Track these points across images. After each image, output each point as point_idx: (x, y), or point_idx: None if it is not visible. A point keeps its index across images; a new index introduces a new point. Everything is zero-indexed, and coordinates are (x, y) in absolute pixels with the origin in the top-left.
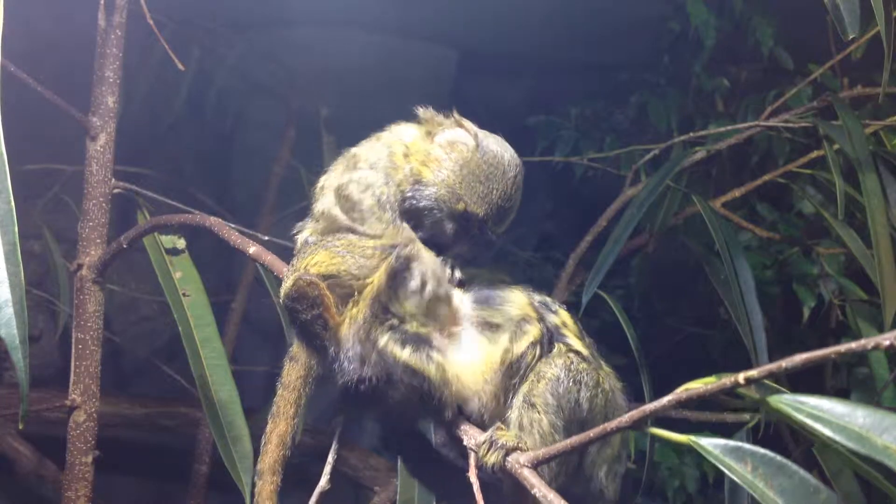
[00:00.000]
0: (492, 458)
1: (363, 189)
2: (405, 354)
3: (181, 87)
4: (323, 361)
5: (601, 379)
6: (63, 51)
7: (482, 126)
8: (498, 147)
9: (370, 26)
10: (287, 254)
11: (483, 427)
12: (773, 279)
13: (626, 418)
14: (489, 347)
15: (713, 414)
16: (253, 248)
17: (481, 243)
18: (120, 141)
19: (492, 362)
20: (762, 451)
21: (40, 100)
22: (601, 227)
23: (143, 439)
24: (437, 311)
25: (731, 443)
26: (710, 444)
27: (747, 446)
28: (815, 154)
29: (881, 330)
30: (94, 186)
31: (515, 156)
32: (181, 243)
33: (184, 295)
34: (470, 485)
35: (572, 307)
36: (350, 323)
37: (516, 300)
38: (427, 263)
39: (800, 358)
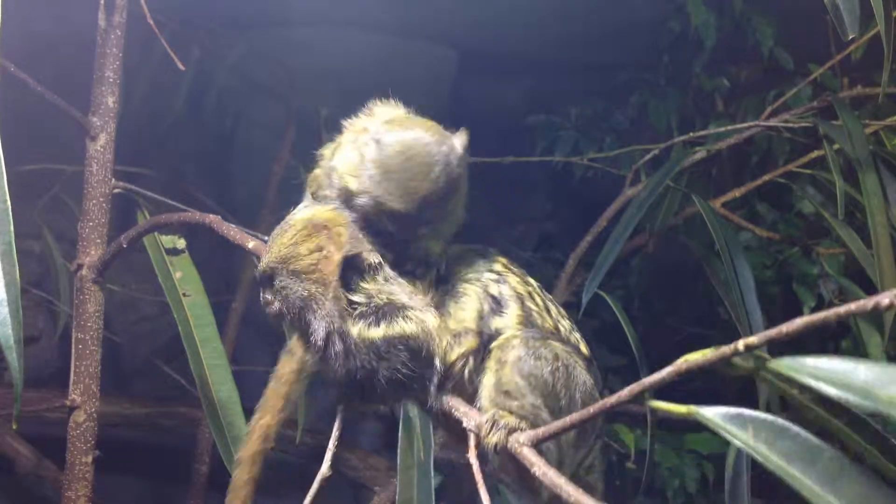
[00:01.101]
0: (493, 439)
1: (318, 187)
2: (381, 332)
3: (181, 87)
4: (312, 351)
5: (557, 353)
6: (63, 51)
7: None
8: (399, 136)
9: (370, 26)
10: None
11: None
12: (773, 279)
13: (625, 392)
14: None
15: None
16: (252, 243)
17: (418, 231)
18: (120, 141)
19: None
20: (763, 415)
21: (40, 100)
22: (601, 227)
23: (143, 439)
24: (395, 292)
25: (732, 410)
26: (711, 413)
27: (747, 412)
28: (815, 154)
29: (881, 330)
30: (94, 186)
31: (422, 136)
32: (181, 243)
33: (184, 295)
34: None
35: (572, 307)
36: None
37: (460, 314)
38: (370, 260)
39: (800, 321)
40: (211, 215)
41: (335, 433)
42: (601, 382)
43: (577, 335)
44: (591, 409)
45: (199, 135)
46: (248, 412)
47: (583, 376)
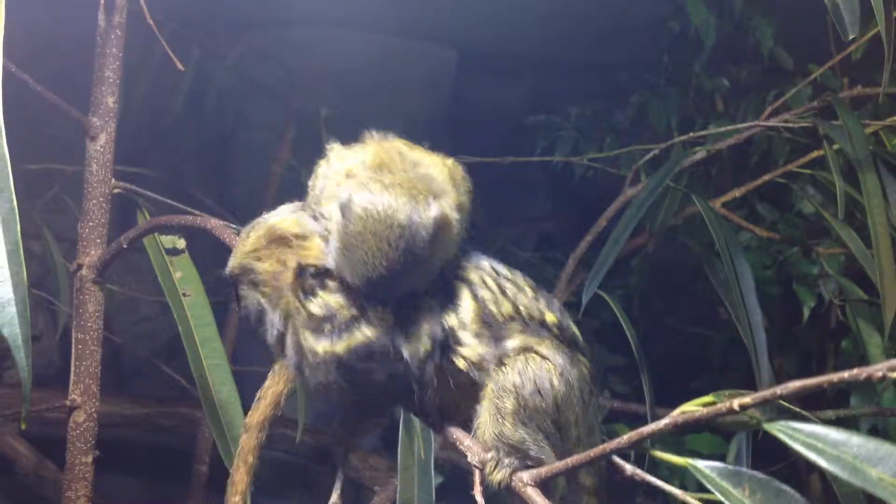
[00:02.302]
0: (498, 476)
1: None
2: (343, 345)
3: (181, 87)
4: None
5: (553, 373)
6: (63, 51)
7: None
8: (366, 208)
9: (370, 26)
10: None
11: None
12: (773, 279)
13: (624, 439)
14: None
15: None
16: None
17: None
18: (120, 141)
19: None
20: (759, 475)
21: (40, 100)
22: (601, 227)
23: (143, 439)
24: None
25: (729, 467)
26: (708, 468)
27: (745, 470)
28: (815, 154)
29: (881, 330)
30: (94, 186)
31: (392, 213)
32: (181, 243)
33: (184, 295)
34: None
35: (572, 307)
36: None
37: (416, 321)
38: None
39: (794, 385)
40: (213, 220)
41: (337, 488)
42: (593, 360)
43: (542, 305)
44: (591, 452)
45: (199, 135)
46: (248, 412)
47: (578, 383)
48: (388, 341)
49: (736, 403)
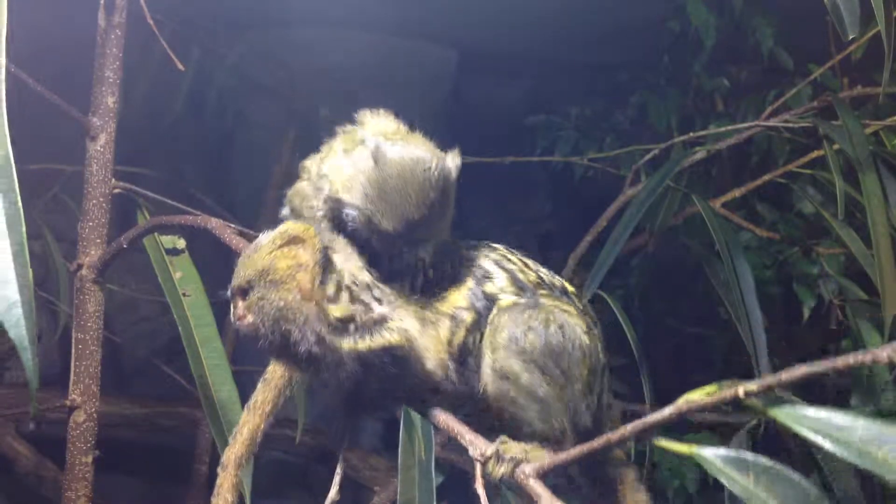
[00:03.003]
0: (500, 470)
1: (301, 199)
2: (366, 344)
3: (181, 87)
4: (296, 363)
5: (549, 316)
6: (63, 51)
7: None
8: (399, 155)
9: (370, 26)
10: None
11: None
12: (773, 279)
13: (628, 429)
14: (435, 332)
15: (716, 415)
16: None
17: (408, 259)
18: (120, 141)
19: (441, 341)
20: (763, 460)
21: (40, 100)
22: (601, 227)
23: (143, 439)
24: (375, 307)
25: (732, 452)
26: (712, 455)
27: (749, 456)
28: (815, 154)
29: (881, 330)
30: (94, 186)
31: (422, 159)
32: (181, 243)
33: (184, 295)
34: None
35: None
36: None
37: (452, 297)
38: (344, 271)
39: (800, 370)
40: (213, 219)
41: (337, 478)
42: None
43: (559, 278)
44: (595, 443)
45: (199, 135)
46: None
47: (576, 329)
48: (410, 347)
49: (741, 390)
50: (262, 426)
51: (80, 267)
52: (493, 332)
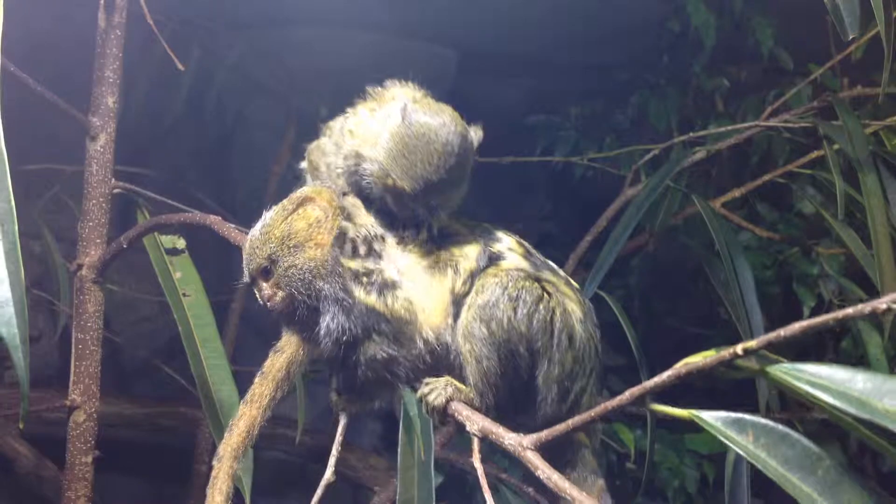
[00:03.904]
0: (434, 400)
1: (321, 155)
2: (373, 300)
3: (181, 87)
4: (308, 328)
5: (545, 294)
6: (63, 51)
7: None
8: (426, 118)
9: (370, 26)
10: None
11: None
12: (773, 279)
13: (626, 395)
14: (440, 285)
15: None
16: None
17: (418, 214)
18: (120, 141)
19: (444, 299)
20: (763, 420)
21: (40, 100)
22: (601, 227)
23: (143, 439)
24: (385, 268)
25: (733, 414)
26: (712, 417)
27: (748, 417)
28: (815, 154)
29: (881, 330)
30: (94, 186)
31: (448, 125)
32: (181, 243)
33: (184, 295)
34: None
35: None
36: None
37: (462, 246)
38: (359, 229)
39: (798, 326)
40: (211, 216)
41: (338, 438)
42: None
43: (564, 273)
44: (592, 412)
45: (199, 135)
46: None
47: (571, 316)
48: (409, 320)
49: (740, 348)
50: (259, 419)
51: (80, 267)
52: (477, 292)
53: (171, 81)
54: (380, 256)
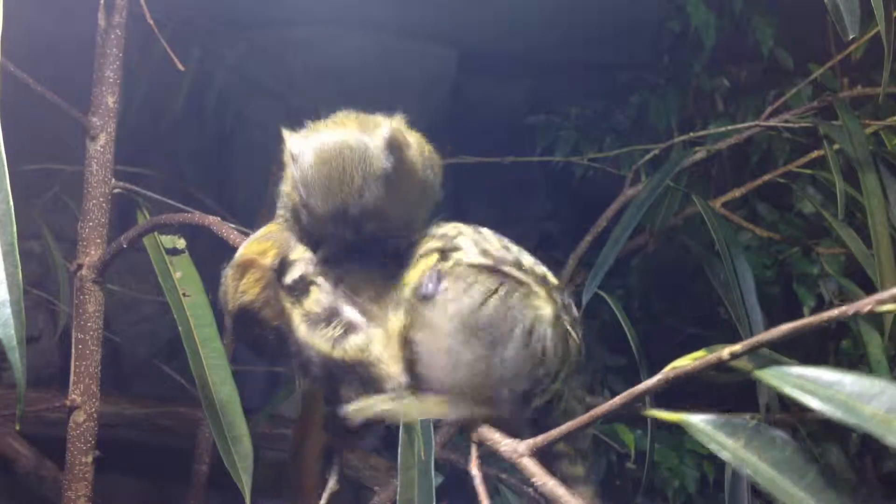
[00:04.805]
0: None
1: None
2: (328, 348)
3: (181, 87)
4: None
5: (499, 289)
6: (63, 51)
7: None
8: (311, 145)
9: (370, 26)
10: None
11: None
12: (773, 279)
13: (617, 399)
14: (394, 317)
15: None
16: None
17: (352, 240)
18: (120, 141)
19: (394, 332)
20: (753, 423)
21: (40, 100)
22: (601, 227)
23: (143, 439)
24: (340, 303)
25: (722, 418)
26: (701, 421)
27: (738, 420)
28: (815, 154)
29: (881, 330)
30: (94, 186)
31: (332, 142)
32: (181, 243)
33: (184, 295)
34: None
35: None
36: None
37: (412, 268)
38: (298, 263)
39: (785, 327)
40: (211, 217)
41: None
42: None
43: (545, 269)
44: (584, 417)
45: (199, 135)
46: (249, 412)
47: (531, 313)
48: (368, 362)
49: (726, 352)
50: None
51: (80, 267)
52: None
53: (171, 81)
54: (332, 298)
